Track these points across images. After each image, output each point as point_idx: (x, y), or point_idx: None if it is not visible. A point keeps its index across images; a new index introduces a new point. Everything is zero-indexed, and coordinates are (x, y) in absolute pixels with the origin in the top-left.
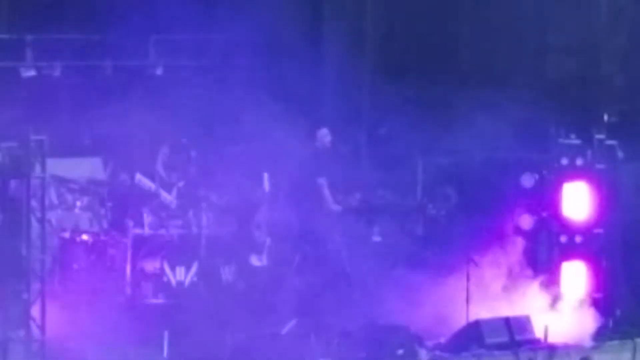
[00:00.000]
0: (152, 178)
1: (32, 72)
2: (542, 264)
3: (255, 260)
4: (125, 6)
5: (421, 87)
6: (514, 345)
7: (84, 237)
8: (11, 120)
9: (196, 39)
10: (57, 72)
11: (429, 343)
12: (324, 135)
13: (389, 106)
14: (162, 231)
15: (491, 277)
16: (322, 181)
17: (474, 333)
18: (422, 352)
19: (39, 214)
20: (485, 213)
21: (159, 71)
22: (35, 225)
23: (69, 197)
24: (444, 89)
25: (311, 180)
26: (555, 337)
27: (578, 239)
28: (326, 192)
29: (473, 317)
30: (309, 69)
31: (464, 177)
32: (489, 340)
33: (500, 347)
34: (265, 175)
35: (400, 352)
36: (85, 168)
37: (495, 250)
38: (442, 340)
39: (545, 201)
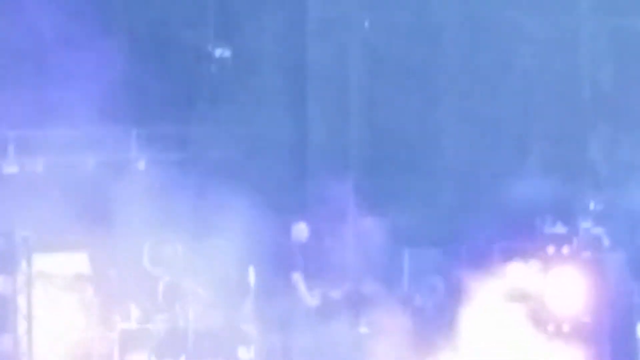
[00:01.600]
0: (137, 273)
1: (14, 169)
2: None
3: (243, 353)
4: (106, 101)
5: (404, 180)
6: None
7: (71, 332)
8: None
9: (177, 132)
10: (39, 168)
11: None
12: (301, 230)
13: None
14: (149, 325)
15: None
16: (297, 276)
17: None
18: None
19: (25, 310)
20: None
21: (141, 165)
22: (22, 321)
23: (56, 293)
24: (428, 180)
25: (287, 276)
26: None
27: (565, 327)
28: (301, 287)
29: None
30: (292, 165)
31: (450, 267)
32: None
33: None
34: (251, 268)
35: None
36: (71, 263)
37: None
38: None
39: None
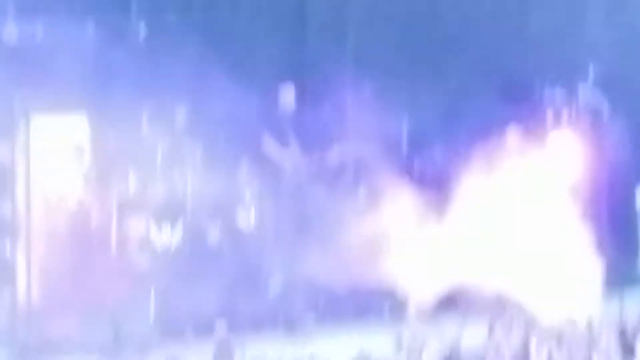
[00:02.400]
0: (135, 138)
1: (14, 33)
2: None
3: (242, 219)
4: None
5: (406, 44)
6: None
7: (70, 200)
8: None
9: None
10: (39, 36)
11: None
12: (287, 93)
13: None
14: (148, 191)
15: None
16: (266, 139)
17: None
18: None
19: (24, 176)
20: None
21: (142, 28)
22: (20, 186)
23: (55, 158)
24: (428, 45)
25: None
26: None
27: (563, 193)
28: (272, 151)
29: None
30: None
31: (450, 133)
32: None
33: None
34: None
35: (388, 309)
36: (70, 128)
37: None
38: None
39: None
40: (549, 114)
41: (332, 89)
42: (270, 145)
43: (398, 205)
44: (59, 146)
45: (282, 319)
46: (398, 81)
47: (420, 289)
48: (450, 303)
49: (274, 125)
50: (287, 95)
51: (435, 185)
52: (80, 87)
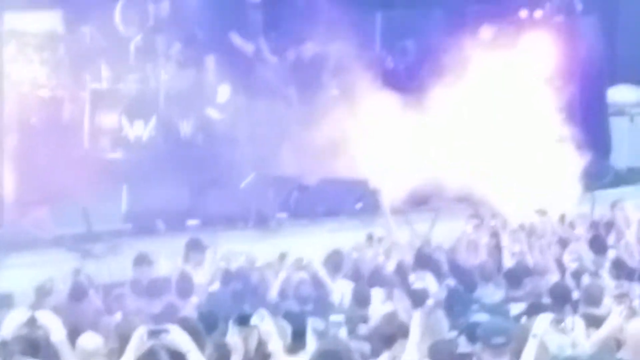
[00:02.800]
0: (109, 32)
1: None
2: None
3: (214, 113)
4: None
5: None
6: None
7: (42, 91)
8: None
9: None
10: None
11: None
12: None
13: None
14: (121, 85)
15: None
16: (235, 36)
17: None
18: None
19: None
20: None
21: None
22: None
23: (28, 51)
24: None
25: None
26: None
27: (538, 91)
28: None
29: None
30: None
31: (423, 30)
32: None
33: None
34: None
35: (359, 205)
36: (44, 22)
37: None
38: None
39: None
40: (523, 12)
41: None
42: (237, 41)
43: (370, 102)
44: (32, 38)
45: (254, 216)
46: None
47: (392, 184)
48: (422, 200)
49: (243, 21)
50: None
51: (408, 81)
52: None
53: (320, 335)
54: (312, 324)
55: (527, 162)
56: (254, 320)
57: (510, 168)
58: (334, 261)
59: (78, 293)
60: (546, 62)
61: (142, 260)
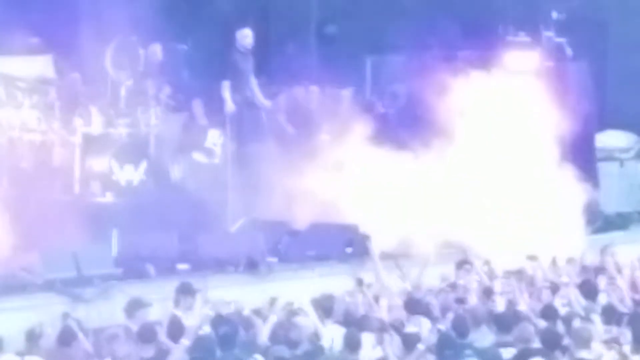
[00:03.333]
0: (99, 77)
1: None
2: None
3: (202, 158)
4: None
5: None
6: None
7: (32, 136)
8: None
9: None
10: None
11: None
12: (244, 36)
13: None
14: (111, 130)
15: None
16: (225, 85)
17: None
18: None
19: None
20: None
21: None
22: None
23: (18, 96)
24: None
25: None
26: None
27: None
28: (225, 94)
29: None
30: None
31: (413, 75)
32: None
33: None
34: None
35: (349, 250)
36: (34, 66)
37: None
38: None
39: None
40: (514, 57)
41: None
42: (226, 90)
43: (361, 147)
44: (22, 83)
45: (245, 260)
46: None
47: (382, 229)
48: (412, 246)
49: (233, 68)
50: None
51: (398, 126)
52: (46, 30)
53: None
54: None
55: (517, 207)
56: None
57: (501, 214)
58: (325, 305)
59: (67, 337)
60: (537, 107)
61: (135, 305)
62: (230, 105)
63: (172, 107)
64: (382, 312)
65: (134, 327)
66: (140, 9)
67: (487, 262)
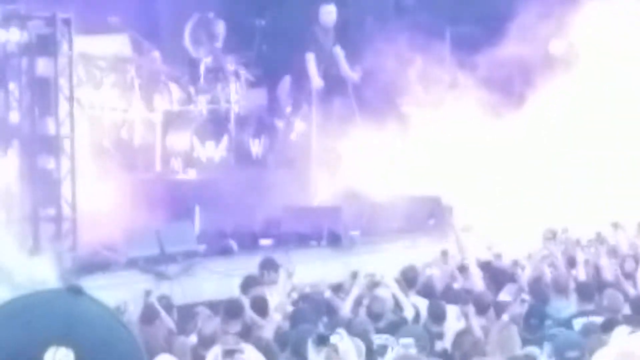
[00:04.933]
0: (178, 55)
1: None
2: None
3: (285, 135)
4: None
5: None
6: None
7: (113, 114)
8: None
9: None
10: None
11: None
12: (328, 12)
13: None
14: (191, 107)
15: None
16: (311, 57)
17: None
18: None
19: (67, 92)
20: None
21: None
22: (63, 103)
23: (98, 75)
24: None
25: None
26: None
27: None
28: (310, 67)
29: None
30: None
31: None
32: None
33: None
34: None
35: (432, 222)
36: (112, 45)
37: None
38: None
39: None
40: None
41: None
42: (311, 63)
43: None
44: (101, 61)
45: (327, 234)
46: None
47: (465, 200)
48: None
49: (316, 42)
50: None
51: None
52: (123, 8)
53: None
54: (383, 342)
55: (599, 172)
56: (333, 340)
57: (583, 178)
58: (409, 277)
59: (150, 315)
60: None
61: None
62: (317, 80)
63: (251, 82)
64: (471, 282)
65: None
66: None
67: (565, 230)
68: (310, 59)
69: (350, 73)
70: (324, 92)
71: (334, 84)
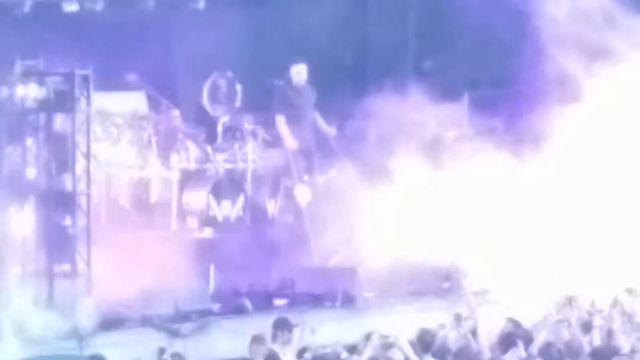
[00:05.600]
0: (196, 113)
1: (74, 7)
2: None
3: (300, 194)
4: None
5: (464, 18)
6: None
7: (130, 172)
8: (56, 55)
9: None
10: (99, 7)
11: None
12: (297, 72)
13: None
14: (208, 165)
15: None
16: (280, 119)
17: None
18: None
19: (84, 149)
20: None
21: (201, 4)
22: (80, 159)
23: (115, 132)
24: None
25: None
26: None
27: None
28: (282, 129)
29: None
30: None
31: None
32: None
33: None
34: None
35: (447, 285)
36: (129, 102)
37: None
38: None
39: None
40: None
41: None
42: (281, 125)
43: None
44: (118, 118)
45: (342, 295)
46: None
47: (479, 265)
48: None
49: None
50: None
51: None
52: (141, 66)
53: None
54: None
55: (616, 239)
56: None
57: (599, 245)
58: (425, 341)
59: None
60: None
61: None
62: (290, 142)
63: (268, 142)
64: (480, 346)
65: None
66: (236, 45)
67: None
68: (280, 121)
69: (327, 129)
70: (306, 151)
71: (317, 143)
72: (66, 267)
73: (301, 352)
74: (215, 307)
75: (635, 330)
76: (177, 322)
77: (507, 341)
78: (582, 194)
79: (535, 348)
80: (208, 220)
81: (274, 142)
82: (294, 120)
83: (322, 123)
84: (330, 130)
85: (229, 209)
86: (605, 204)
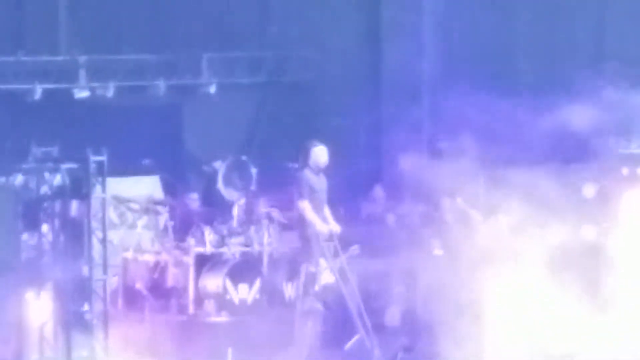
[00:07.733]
0: (210, 197)
1: (85, 93)
2: None
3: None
4: (177, 25)
5: (480, 97)
6: None
7: (146, 256)
8: (69, 141)
9: (249, 56)
10: (110, 93)
11: None
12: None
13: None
14: (224, 249)
15: None
16: (304, 205)
17: None
18: None
19: (100, 234)
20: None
21: (212, 89)
22: (97, 245)
23: (130, 217)
24: (504, 98)
25: None
26: None
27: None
28: (308, 215)
29: None
30: (365, 78)
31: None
32: None
33: None
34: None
35: None
36: (144, 187)
37: None
38: None
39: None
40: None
41: None
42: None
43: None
44: (133, 203)
45: None
46: None
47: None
48: None
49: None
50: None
51: None
52: (156, 150)
53: None
54: None
55: None
56: None
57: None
58: None
59: None
60: None
61: None
62: (321, 227)
63: (284, 225)
64: None
65: None
66: (249, 128)
67: None
68: (307, 208)
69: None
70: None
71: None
72: (84, 353)
73: None
74: None
75: None
76: None
77: None
78: None
79: None
80: (225, 304)
81: (290, 224)
82: (315, 204)
83: (330, 219)
84: (335, 228)
85: (246, 293)
86: None
